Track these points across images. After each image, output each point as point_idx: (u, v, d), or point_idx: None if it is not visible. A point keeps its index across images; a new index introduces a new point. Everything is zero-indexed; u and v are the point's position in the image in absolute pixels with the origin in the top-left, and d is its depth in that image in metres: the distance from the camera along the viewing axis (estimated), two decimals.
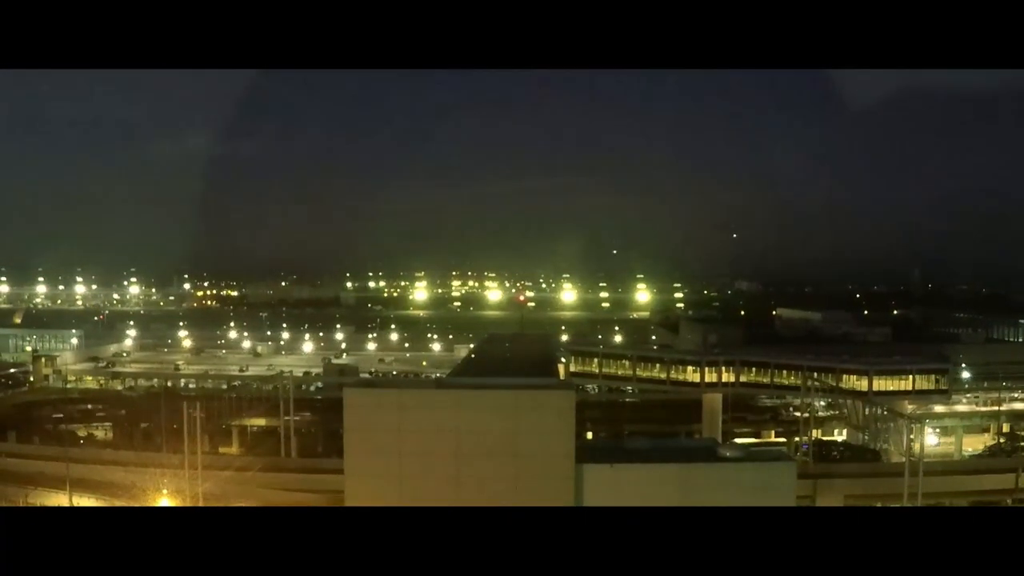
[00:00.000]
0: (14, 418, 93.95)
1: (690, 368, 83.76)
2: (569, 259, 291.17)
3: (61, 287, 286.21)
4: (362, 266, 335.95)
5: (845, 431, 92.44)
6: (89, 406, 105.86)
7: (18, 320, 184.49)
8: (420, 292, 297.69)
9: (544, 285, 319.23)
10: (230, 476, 60.54)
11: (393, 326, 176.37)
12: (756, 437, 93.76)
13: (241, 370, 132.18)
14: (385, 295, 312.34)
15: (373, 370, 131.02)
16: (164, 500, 55.09)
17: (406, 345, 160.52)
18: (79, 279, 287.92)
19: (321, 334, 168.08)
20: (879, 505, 59.51)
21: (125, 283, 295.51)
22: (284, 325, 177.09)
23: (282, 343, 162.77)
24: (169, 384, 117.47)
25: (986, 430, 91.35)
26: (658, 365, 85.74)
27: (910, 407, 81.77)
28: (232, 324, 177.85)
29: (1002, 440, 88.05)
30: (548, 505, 26.73)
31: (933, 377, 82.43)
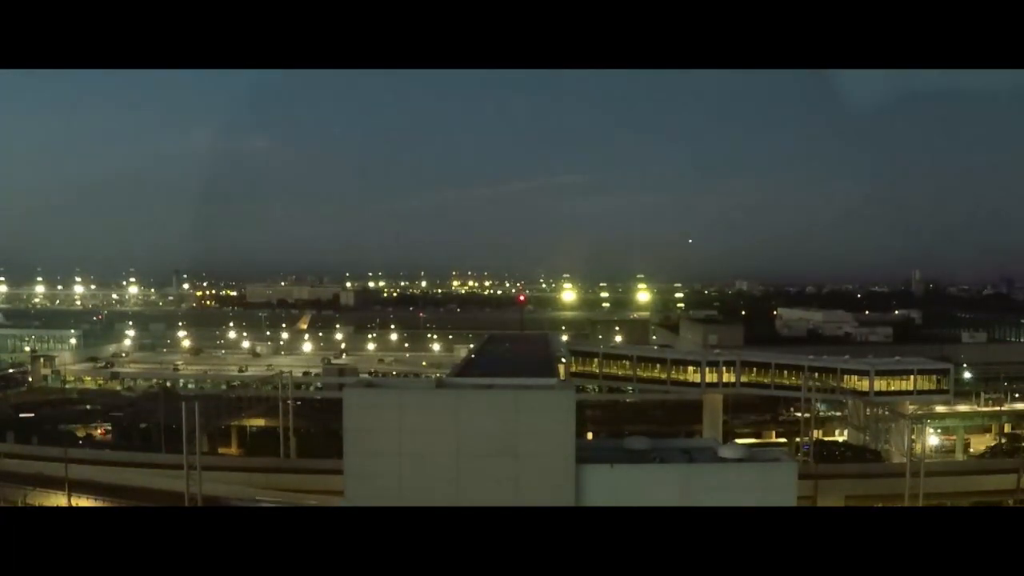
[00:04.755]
0: (12, 418, 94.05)
1: (691, 368, 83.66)
2: (570, 259, 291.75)
3: (60, 287, 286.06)
4: (362, 266, 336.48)
5: (846, 431, 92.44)
6: (87, 406, 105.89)
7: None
8: (420, 292, 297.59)
9: (544, 285, 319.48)
10: (228, 476, 60.53)
11: (393, 326, 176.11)
12: (757, 437, 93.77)
13: (240, 370, 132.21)
14: (385, 295, 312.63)
15: (372, 370, 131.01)
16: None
17: (406, 345, 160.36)
18: (78, 279, 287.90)
19: (320, 334, 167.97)
20: (879, 505, 59.47)
21: (124, 283, 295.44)
22: (283, 325, 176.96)
23: (281, 343, 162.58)
24: (168, 384, 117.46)
25: (988, 430, 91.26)
26: (659, 365, 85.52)
27: (911, 407, 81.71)
28: (231, 324, 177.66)
29: (1003, 440, 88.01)
30: (548, 505, 26.71)
31: (934, 377, 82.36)
